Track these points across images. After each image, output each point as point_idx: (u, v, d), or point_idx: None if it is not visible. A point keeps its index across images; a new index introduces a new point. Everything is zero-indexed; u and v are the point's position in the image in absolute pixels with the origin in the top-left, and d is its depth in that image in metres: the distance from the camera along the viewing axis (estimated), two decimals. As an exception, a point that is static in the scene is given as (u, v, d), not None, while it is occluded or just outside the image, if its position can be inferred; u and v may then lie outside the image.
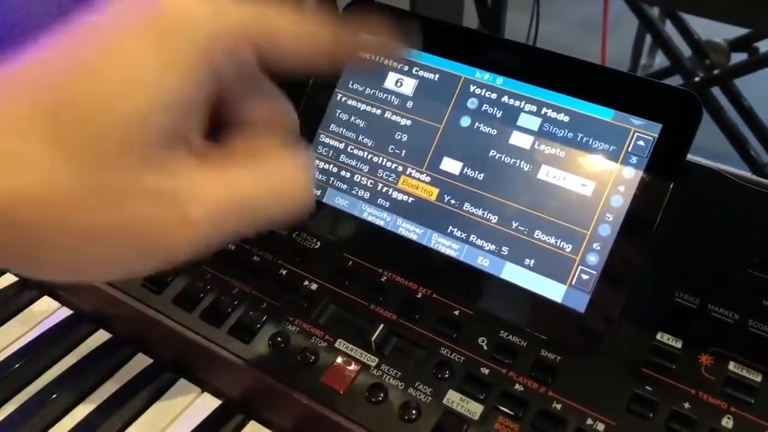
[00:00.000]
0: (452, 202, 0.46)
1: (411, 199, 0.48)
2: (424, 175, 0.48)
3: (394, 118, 0.49)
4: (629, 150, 0.43)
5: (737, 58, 1.46)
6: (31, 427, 0.45)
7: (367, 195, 0.49)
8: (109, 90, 0.22)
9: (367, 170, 0.50)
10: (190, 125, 0.25)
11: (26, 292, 0.55)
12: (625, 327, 0.41)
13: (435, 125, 0.48)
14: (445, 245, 0.46)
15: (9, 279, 0.56)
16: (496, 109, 0.47)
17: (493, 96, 0.47)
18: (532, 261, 0.44)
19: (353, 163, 0.50)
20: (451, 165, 0.47)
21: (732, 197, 0.43)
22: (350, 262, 0.48)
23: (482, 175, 0.46)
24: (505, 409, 0.40)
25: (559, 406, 0.40)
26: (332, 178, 0.50)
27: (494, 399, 0.41)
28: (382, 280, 0.46)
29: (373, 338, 0.43)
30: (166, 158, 0.23)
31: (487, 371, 0.42)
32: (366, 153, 0.50)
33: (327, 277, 0.47)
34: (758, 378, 0.39)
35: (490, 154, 0.46)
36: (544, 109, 0.46)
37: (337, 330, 0.45)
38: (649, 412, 0.38)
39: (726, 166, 0.44)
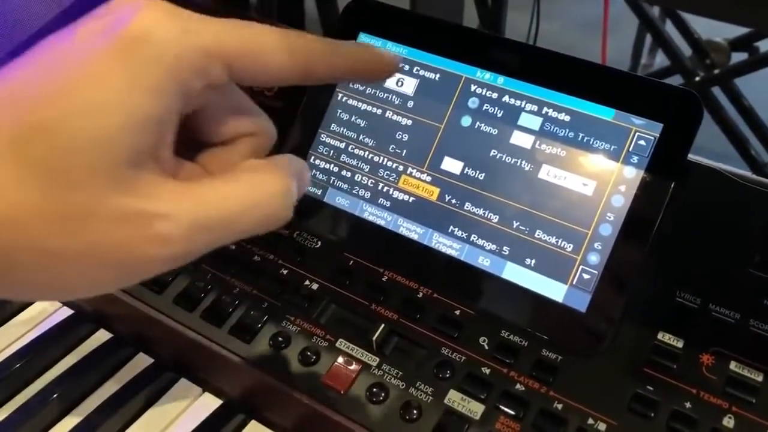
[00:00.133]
0: (453, 201, 0.46)
1: (412, 198, 0.48)
2: (425, 174, 0.48)
3: (394, 117, 0.49)
4: (630, 149, 0.43)
5: (738, 57, 1.46)
6: (31, 426, 0.45)
7: (367, 195, 0.49)
8: (75, 112, 0.22)
9: (367, 170, 0.49)
10: (160, 144, 0.25)
11: (27, 291, 0.55)
12: (626, 327, 0.41)
13: (436, 125, 0.48)
14: (446, 245, 0.46)
15: (9, 279, 0.56)
16: (496, 108, 0.47)
17: (494, 95, 0.47)
18: (533, 261, 0.44)
19: (354, 162, 0.50)
20: (452, 165, 0.47)
21: (733, 197, 0.43)
22: (351, 262, 0.48)
23: (483, 174, 0.46)
24: (506, 409, 0.40)
25: (560, 406, 0.40)
26: (333, 178, 0.50)
27: (495, 399, 0.41)
28: (383, 279, 0.46)
29: (374, 338, 0.43)
30: (135, 178, 0.23)
31: (488, 371, 0.42)
32: (367, 152, 0.50)
33: (328, 276, 0.47)
34: (759, 377, 0.38)
35: (491, 153, 0.46)
36: (545, 109, 0.46)
37: (338, 330, 0.45)
38: (650, 412, 0.38)
39: (726, 165, 0.44)
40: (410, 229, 0.47)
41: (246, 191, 0.26)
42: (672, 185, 0.42)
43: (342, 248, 0.48)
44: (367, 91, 0.51)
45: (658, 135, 0.43)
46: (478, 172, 0.46)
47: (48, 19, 0.65)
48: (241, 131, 0.29)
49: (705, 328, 0.40)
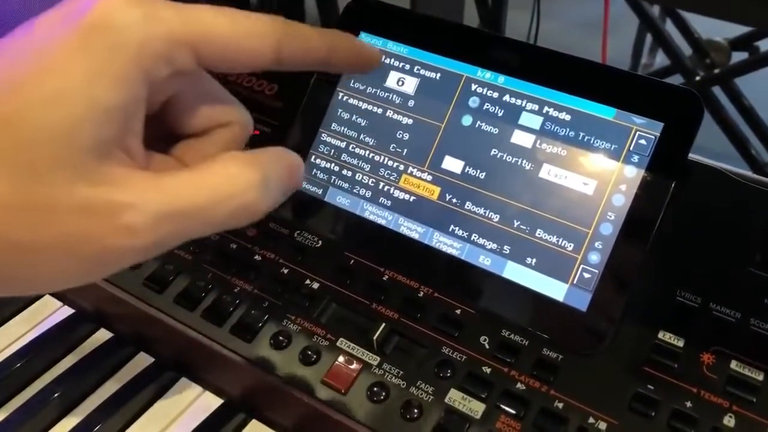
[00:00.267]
0: (454, 201, 0.46)
1: (412, 197, 0.48)
2: (426, 173, 0.48)
3: (395, 116, 0.49)
4: (631, 149, 0.43)
5: (738, 57, 1.46)
6: (32, 426, 0.45)
7: (368, 194, 0.49)
8: (37, 103, 0.22)
9: (368, 169, 0.49)
10: (127, 133, 0.24)
11: (27, 291, 0.55)
12: (626, 326, 0.41)
13: (436, 124, 0.48)
14: (446, 244, 0.46)
15: (10, 278, 0.56)
16: (497, 107, 0.47)
17: (495, 95, 0.47)
18: (534, 260, 0.44)
19: (355, 161, 0.50)
20: (452, 164, 0.47)
21: (733, 196, 0.43)
22: (352, 261, 0.48)
23: (484, 174, 0.46)
24: (506, 408, 0.40)
25: (560, 405, 0.40)
26: (334, 177, 0.50)
27: (496, 398, 0.41)
28: (384, 279, 0.46)
29: (374, 337, 0.43)
30: (100, 168, 0.23)
31: (488, 370, 0.42)
32: (367, 152, 0.50)
33: (328, 276, 0.47)
34: (760, 377, 0.39)
35: (492, 152, 0.46)
36: (546, 108, 0.46)
37: (338, 329, 0.45)
38: (651, 411, 0.38)
39: (727, 165, 0.44)
40: (411, 229, 0.47)
41: (219, 182, 0.25)
42: (672, 185, 0.42)
43: (343, 247, 0.48)
44: (368, 91, 0.51)
45: (658, 134, 0.43)
46: (478, 171, 0.46)
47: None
48: (216, 121, 0.29)
49: (705, 328, 0.40)
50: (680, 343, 0.40)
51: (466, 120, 0.47)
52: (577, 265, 0.43)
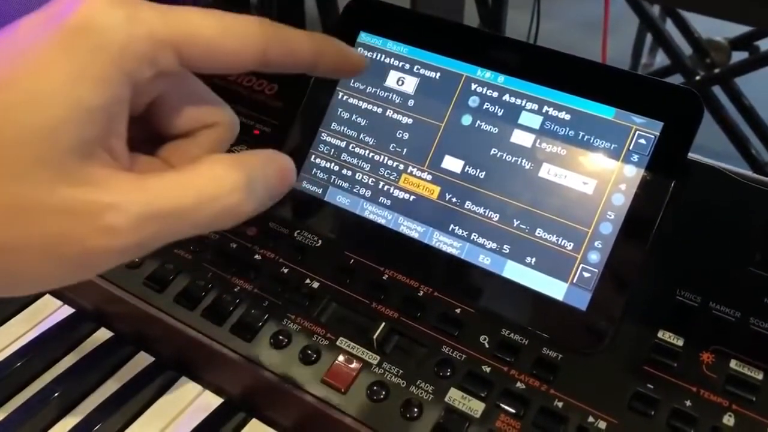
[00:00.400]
0: (453, 200, 0.47)
1: (412, 197, 0.48)
2: (426, 173, 0.48)
3: (395, 116, 0.49)
4: (630, 148, 0.43)
5: (738, 56, 1.46)
6: (32, 425, 0.45)
7: (368, 193, 0.49)
8: (19, 103, 0.22)
9: (368, 168, 0.50)
10: (110, 134, 0.24)
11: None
12: (626, 325, 0.41)
13: (436, 123, 0.48)
14: (446, 243, 0.46)
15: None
16: (497, 107, 0.47)
17: (495, 94, 0.47)
18: (534, 259, 0.44)
19: (354, 161, 0.50)
20: (452, 163, 0.47)
21: (733, 196, 0.43)
22: (352, 261, 0.48)
23: (483, 173, 0.46)
24: (506, 407, 0.40)
25: (560, 404, 0.40)
26: (334, 177, 0.50)
27: (496, 397, 0.41)
28: (384, 278, 0.46)
29: (374, 336, 0.43)
30: (82, 168, 0.23)
31: (488, 369, 0.42)
32: (367, 151, 0.50)
33: (328, 275, 0.47)
34: (760, 376, 0.39)
35: (492, 152, 0.46)
36: (546, 108, 0.46)
37: (338, 328, 0.45)
38: (650, 410, 0.39)
39: (727, 164, 0.44)
40: (411, 228, 0.47)
41: (204, 183, 0.25)
42: (672, 184, 0.42)
43: (342, 247, 0.48)
44: (368, 90, 0.51)
45: (658, 134, 0.43)
46: (478, 170, 0.46)
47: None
48: (201, 122, 0.28)
49: (705, 327, 0.40)
50: (680, 343, 0.40)
51: (466, 119, 0.47)
52: (577, 265, 0.43)
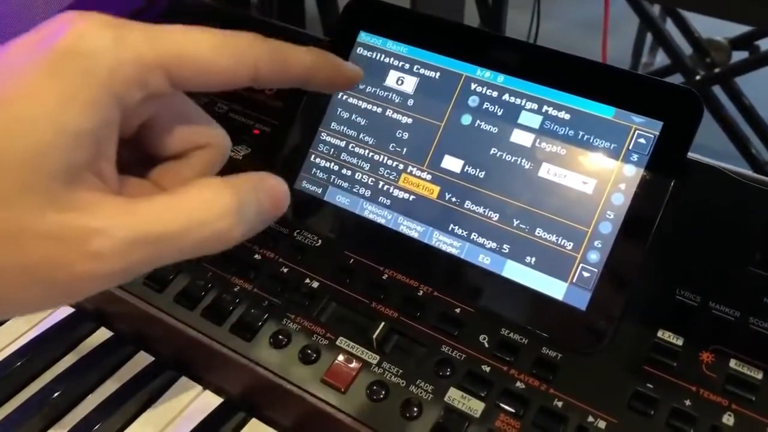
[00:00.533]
0: (453, 200, 0.47)
1: (412, 197, 0.48)
2: (425, 173, 0.48)
3: (395, 116, 0.49)
4: (630, 148, 0.43)
5: (738, 56, 1.46)
6: (32, 425, 0.45)
7: (368, 193, 0.49)
8: (6, 128, 0.22)
9: (368, 168, 0.50)
10: (98, 158, 0.24)
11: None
12: (626, 324, 0.41)
13: (436, 123, 0.48)
14: (446, 243, 0.46)
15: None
16: (497, 107, 0.47)
17: (494, 94, 0.47)
18: (533, 259, 0.44)
19: (354, 161, 0.50)
20: (452, 163, 0.47)
21: (733, 195, 0.43)
22: (351, 260, 0.48)
23: (483, 173, 0.46)
24: (506, 407, 0.40)
25: (560, 404, 0.40)
26: (333, 176, 0.50)
27: (495, 397, 0.41)
28: (384, 278, 0.46)
29: (374, 336, 0.43)
30: (69, 193, 0.23)
31: (488, 369, 0.42)
32: (367, 151, 0.50)
33: (328, 275, 0.47)
34: (759, 375, 0.39)
35: (491, 152, 0.46)
36: (545, 107, 0.46)
37: (338, 328, 0.45)
38: (650, 410, 0.39)
39: (727, 164, 0.44)
40: (410, 228, 0.47)
41: (193, 208, 0.25)
42: (672, 183, 0.42)
43: (342, 246, 0.48)
44: (368, 90, 0.51)
45: (658, 133, 0.43)
46: (478, 170, 0.46)
47: (49, 18, 0.65)
48: (193, 143, 0.28)
49: (705, 326, 0.40)
50: (679, 342, 0.40)
51: (466, 119, 0.47)
52: (577, 264, 0.43)
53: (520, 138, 0.46)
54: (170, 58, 0.25)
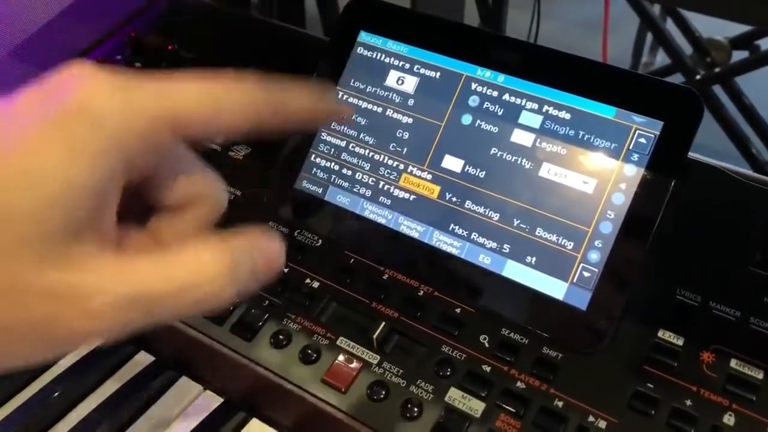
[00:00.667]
0: (454, 199, 0.46)
1: (412, 196, 0.48)
2: (426, 172, 0.48)
3: (395, 115, 0.49)
4: (630, 147, 0.43)
5: (738, 56, 1.46)
6: (32, 425, 0.45)
7: (368, 193, 0.49)
8: (9, 182, 0.22)
9: (368, 168, 0.50)
10: (100, 214, 0.24)
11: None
12: (626, 324, 0.41)
13: (436, 123, 0.48)
14: (446, 243, 0.46)
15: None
16: (497, 106, 0.47)
17: (495, 94, 0.47)
18: (534, 259, 0.44)
19: (355, 161, 0.50)
20: (452, 163, 0.47)
21: (733, 195, 0.43)
22: (352, 260, 0.48)
23: (484, 172, 0.46)
24: (506, 407, 0.40)
25: (560, 404, 0.40)
26: (334, 176, 0.50)
27: (496, 397, 0.41)
28: (384, 277, 0.46)
29: (374, 336, 0.43)
30: (68, 250, 0.23)
31: (488, 369, 0.42)
32: (367, 151, 0.50)
33: (328, 275, 0.47)
34: (760, 375, 0.39)
35: (492, 151, 0.46)
36: (546, 107, 0.46)
37: (338, 328, 0.45)
38: (650, 410, 0.38)
39: (727, 163, 0.44)
40: (411, 228, 0.47)
41: (187, 270, 0.25)
42: (672, 183, 0.42)
43: (343, 246, 0.48)
44: (368, 90, 0.51)
45: (658, 133, 0.43)
46: (478, 170, 0.46)
47: (49, 18, 0.65)
48: (191, 197, 0.28)
49: (705, 326, 0.40)
50: (680, 342, 0.40)
51: (466, 119, 0.47)
52: (577, 264, 0.43)
53: (521, 138, 0.46)
54: (178, 118, 0.25)
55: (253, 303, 0.46)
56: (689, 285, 0.41)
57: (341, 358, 0.43)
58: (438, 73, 0.49)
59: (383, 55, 0.51)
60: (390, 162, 0.49)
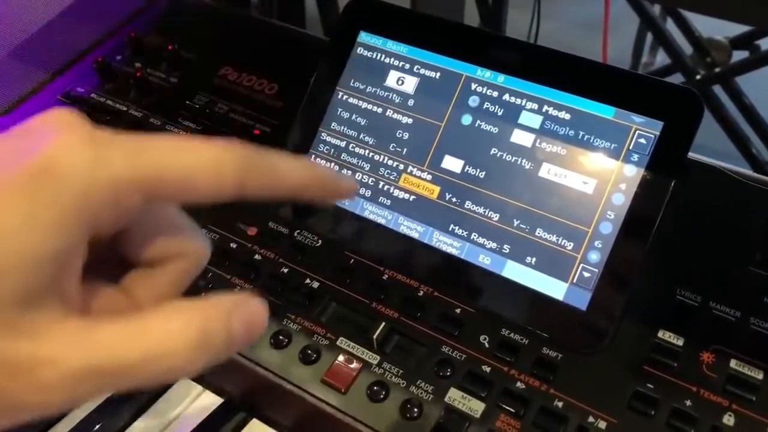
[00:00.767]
0: (453, 200, 0.46)
1: (412, 197, 0.48)
2: (426, 173, 0.48)
3: (395, 116, 0.49)
4: (630, 148, 0.43)
5: (739, 55, 1.46)
6: (32, 426, 0.45)
7: (368, 193, 0.49)
8: None
9: (368, 168, 0.50)
10: (60, 281, 0.23)
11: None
12: (626, 325, 0.41)
13: (436, 123, 0.48)
14: (446, 243, 0.46)
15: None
16: (497, 107, 0.47)
17: (495, 94, 0.47)
18: (534, 259, 0.44)
19: (354, 161, 0.50)
20: (452, 163, 0.47)
21: (733, 195, 0.43)
22: (352, 260, 0.48)
23: (483, 173, 0.46)
24: (506, 407, 0.40)
25: (560, 404, 0.40)
26: (333, 177, 0.50)
27: (496, 397, 0.41)
28: (384, 278, 0.46)
29: (374, 336, 0.43)
30: (24, 317, 0.22)
31: (488, 369, 0.42)
32: (367, 151, 0.50)
33: (328, 275, 0.47)
34: (760, 375, 0.38)
35: (492, 152, 0.46)
36: (546, 107, 0.46)
37: (338, 328, 0.45)
38: (650, 410, 0.38)
39: (727, 164, 0.44)
40: (411, 228, 0.47)
41: (152, 340, 0.23)
42: (672, 183, 0.42)
43: (342, 246, 0.48)
44: (368, 90, 0.51)
45: (658, 133, 0.43)
46: (478, 170, 0.46)
47: (49, 19, 0.65)
48: (169, 252, 0.27)
49: (705, 326, 0.40)
50: (680, 342, 0.40)
51: (466, 119, 0.47)
52: (577, 264, 0.43)
53: (521, 138, 0.46)
54: (149, 178, 0.23)
55: (253, 303, 0.46)
56: (689, 285, 0.41)
57: (341, 358, 0.43)
58: (438, 74, 0.49)
59: (383, 56, 0.51)
60: (390, 162, 0.49)
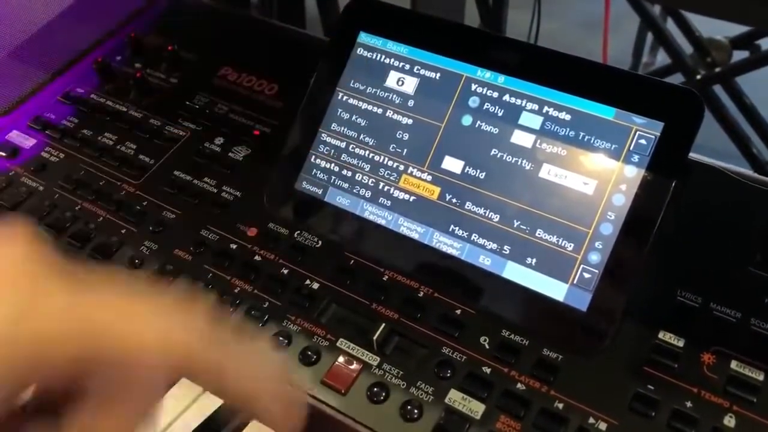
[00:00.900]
0: (454, 201, 0.46)
1: (412, 197, 0.48)
2: (426, 173, 0.48)
3: (395, 116, 0.49)
4: (631, 148, 0.43)
5: (739, 55, 1.46)
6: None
7: (368, 194, 0.49)
8: None
9: (368, 169, 0.49)
10: None
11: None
12: (626, 326, 0.41)
13: (436, 124, 0.48)
14: (446, 244, 0.46)
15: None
16: (497, 107, 0.47)
17: (495, 94, 0.47)
18: (534, 260, 0.44)
19: (354, 162, 0.50)
20: (452, 164, 0.47)
21: (734, 196, 0.43)
22: (351, 261, 0.48)
23: (484, 173, 0.46)
24: (507, 409, 0.40)
25: (561, 405, 0.40)
26: (333, 177, 0.50)
27: (496, 398, 0.41)
28: (384, 279, 0.46)
29: (374, 337, 0.43)
30: None
31: (488, 370, 0.42)
32: (367, 152, 0.50)
33: (328, 276, 0.47)
34: (760, 377, 0.38)
35: (492, 152, 0.46)
36: (546, 108, 0.45)
37: (338, 329, 0.45)
38: (651, 411, 0.38)
39: (728, 164, 0.44)
40: (411, 229, 0.47)
41: None
42: (673, 184, 0.42)
43: (343, 247, 0.48)
44: (368, 91, 0.51)
45: (658, 134, 0.43)
46: (478, 171, 0.46)
47: (49, 19, 0.65)
48: None
49: (706, 327, 0.40)
50: (680, 343, 0.40)
51: (466, 120, 0.47)
52: (577, 265, 0.43)
53: (521, 139, 0.46)
54: (88, 342, 0.22)
55: (253, 304, 0.46)
56: (690, 286, 0.41)
57: (341, 359, 0.43)
58: (438, 74, 0.49)
59: (383, 56, 0.51)
60: (390, 163, 0.49)
